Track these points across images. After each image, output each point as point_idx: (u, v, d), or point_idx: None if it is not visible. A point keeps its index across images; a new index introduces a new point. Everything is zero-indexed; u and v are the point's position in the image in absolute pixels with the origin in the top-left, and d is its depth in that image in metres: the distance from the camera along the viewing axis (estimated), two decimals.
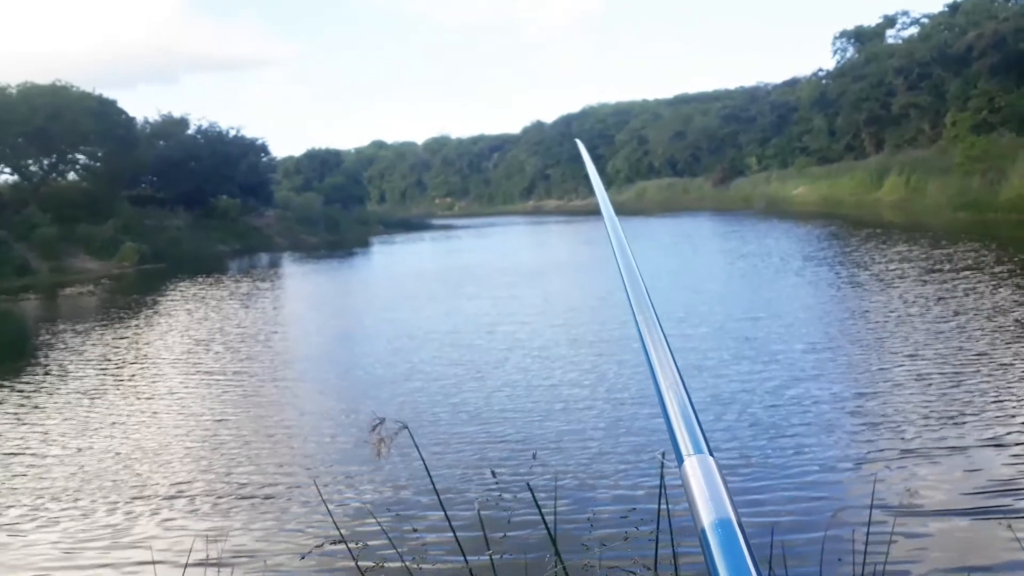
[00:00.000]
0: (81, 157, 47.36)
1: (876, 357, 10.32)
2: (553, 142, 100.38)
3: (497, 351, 12.54)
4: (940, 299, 14.10)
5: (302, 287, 27.54)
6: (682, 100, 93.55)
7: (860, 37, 63.58)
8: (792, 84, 75.91)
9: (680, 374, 0.90)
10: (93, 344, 15.93)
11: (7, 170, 44.70)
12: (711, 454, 0.76)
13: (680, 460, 0.76)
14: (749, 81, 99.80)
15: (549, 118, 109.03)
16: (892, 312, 13.35)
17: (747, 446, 7.19)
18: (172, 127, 55.66)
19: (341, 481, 7.08)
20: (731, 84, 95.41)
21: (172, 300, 23.53)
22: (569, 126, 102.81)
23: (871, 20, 64.77)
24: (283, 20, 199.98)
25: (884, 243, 24.96)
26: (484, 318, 15.96)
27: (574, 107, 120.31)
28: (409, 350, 13.18)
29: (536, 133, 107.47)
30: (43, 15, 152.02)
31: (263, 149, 60.16)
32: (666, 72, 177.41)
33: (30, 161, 44.91)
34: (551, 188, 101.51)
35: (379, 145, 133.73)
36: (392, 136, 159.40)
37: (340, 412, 9.65)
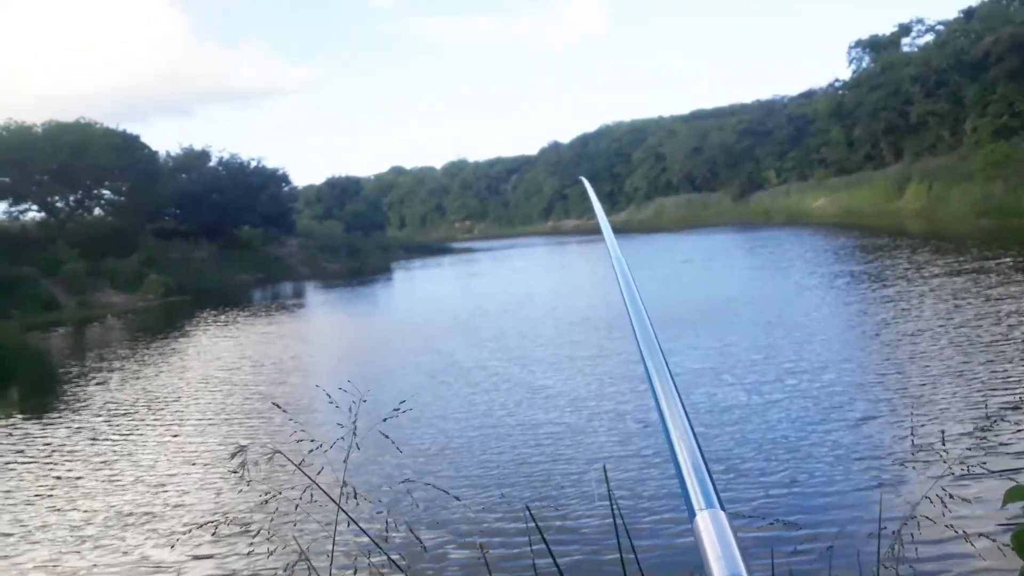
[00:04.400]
0: (106, 192, 48.24)
1: (970, 387, 9.22)
2: (570, 162, 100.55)
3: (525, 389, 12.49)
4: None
5: (321, 320, 27.73)
6: (698, 116, 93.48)
7: (875, 47, 63.36)
8: (808, 96, 75.72)
9: (691, 424, 0.90)
10: (112, 383, 16.16)
11: (34, 207, 45.54)
12: (723, 508, 0.74)
13: (692, 514, 0.75)
14: (765, 94, 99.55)
15: (565, 138, 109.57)
16: (966, 333, 12.18)
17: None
18: (194, 160, 56.51)
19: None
20: (747, 98, 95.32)
21: (194, 334, 23.79)
22: (586, 146, 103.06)
23: (886, 29, 64.72)
24: (289, 47, 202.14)
25: (934, 254, 23.63)
26: (506, 359, 15.68)
27: (590, 127, 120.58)
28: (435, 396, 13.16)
29: (553, 154, 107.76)
30: (60, 54, 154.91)
31: (284, 179, 60.84)
32: (680, 88, 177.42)
33: (56, 197, 45.72)
34: (569, 208, 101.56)
35: (398, 171, 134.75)
36: (411, 162, 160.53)
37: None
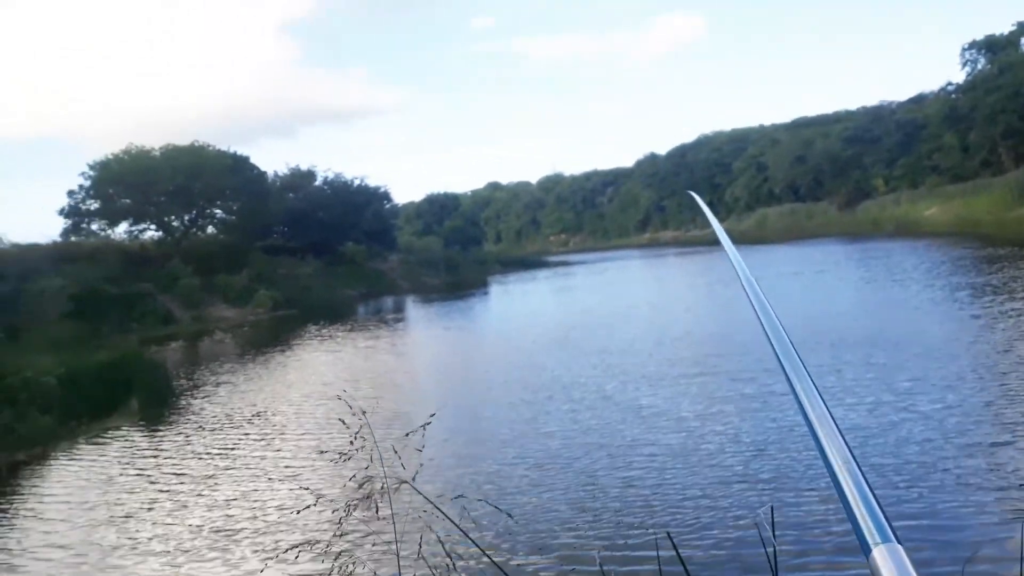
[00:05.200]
0: (218, 211, 50.50)
1: None
2: (668, 173, 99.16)
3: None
4: None
5: (421, 334, 28.05)
6: (801, 124, 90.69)
7: (992, 47, 60.05)
8: (918, 101, 72.54)
9: (852, 452, 0.82)
10: (221, 396, 16.72)
11: (152, 226, 47.98)
12: (899, 542, 0.70)
13: (867, 551, 0.71)
14: (871, 101, 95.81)
15: (662, 149, 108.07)
16: None
17: None
18: (300, 179, 58.50)
19: None
20: (852, 105, 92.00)
21: (299, 347, 24.47)
22: (684, 156, 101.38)
23: (1003, 28, 61.21)
24: (388, 67, 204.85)
25: None
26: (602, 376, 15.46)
27: (688, 137, 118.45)
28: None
29: (650, 165, 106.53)
30: (173, 80, 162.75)
31: (386, 196, 62.28)
32: (781, 97, 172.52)
33: (172, 217, 48.08)
34: (667, 220, 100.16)
35: (494, 186, 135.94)
36: (507, 177, 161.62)
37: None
